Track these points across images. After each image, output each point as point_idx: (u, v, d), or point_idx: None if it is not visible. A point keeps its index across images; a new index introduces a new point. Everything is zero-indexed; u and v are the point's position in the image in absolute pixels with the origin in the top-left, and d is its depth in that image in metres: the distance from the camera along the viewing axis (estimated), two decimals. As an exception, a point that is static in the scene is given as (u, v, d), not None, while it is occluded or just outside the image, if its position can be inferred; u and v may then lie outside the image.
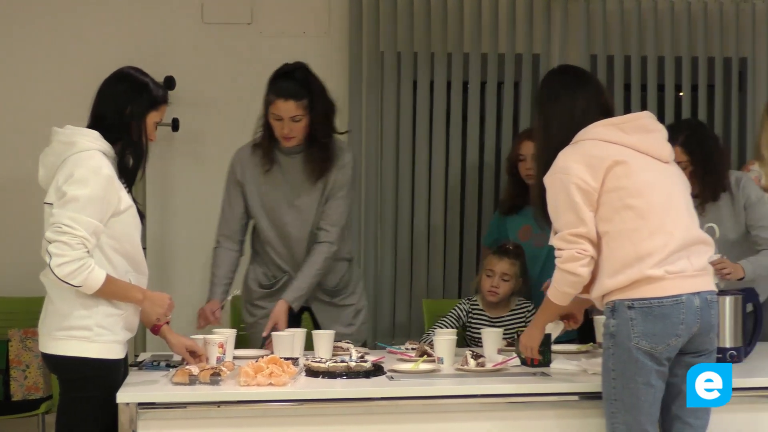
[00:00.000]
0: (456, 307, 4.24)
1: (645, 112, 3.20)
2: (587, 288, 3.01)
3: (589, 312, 3.64)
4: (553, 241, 3.03)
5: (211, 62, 4.98)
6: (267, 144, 3.91)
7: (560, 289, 3.03)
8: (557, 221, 3.02)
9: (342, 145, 4.02)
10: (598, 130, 3.04)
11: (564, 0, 5.04)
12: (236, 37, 5.00)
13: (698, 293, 2.92)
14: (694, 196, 3.84)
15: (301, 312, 4.00)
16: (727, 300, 3.48)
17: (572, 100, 3.12)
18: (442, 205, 5.04)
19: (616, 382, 2.91)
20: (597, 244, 2.96)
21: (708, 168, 3.82)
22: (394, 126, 5.00)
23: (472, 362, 3.31)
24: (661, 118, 4.98)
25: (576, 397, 3.13)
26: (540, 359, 3.35)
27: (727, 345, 3.46)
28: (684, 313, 2.87)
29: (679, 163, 3.73)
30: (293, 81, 3.83)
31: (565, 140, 3.07)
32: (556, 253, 3.01)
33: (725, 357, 3.40)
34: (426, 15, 4.98)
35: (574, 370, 3.32)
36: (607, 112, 3.13)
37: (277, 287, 3.98)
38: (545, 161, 3.10)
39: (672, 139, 3.77)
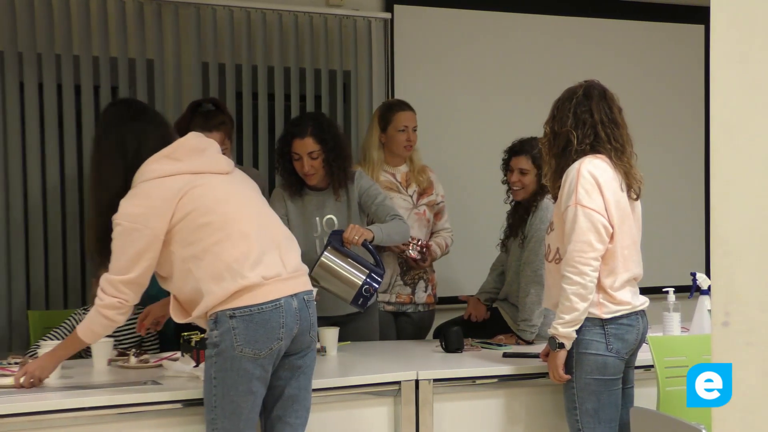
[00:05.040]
0: (70, 317, 4.09)
1: (191, 134, 3.11)
2: (187, 312, 2.99)
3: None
4: (101, 281, 2.97)
5: None
6: None
7: (92, 329, 3.03)
8: (112, 263, 2.95)
9: None
10: (153, 167, 2.94)
11: (175, 5, 5.01)
12: None
13: (295, 295, 2.98)
14: (323, 188, 4.06)
15: None
16: None
17: (123, 137, 3.00)
18: (54, 210, 4.81)
19: (217, 390, 2.90)
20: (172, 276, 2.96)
21: (338, 152, 3.99)
22: (1, 129, 4.72)
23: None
24: (272, 128, 5.18)
25: (179, 405, 3.12)
26: None
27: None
28: (284, 317, 2.92)
29: (311, 153, 3.93)
30: None
31: (116, 181, 2.96)
32: (99, 292, 2.97)
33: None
34: (30, 13, 4.74)
35: (187, 376, 3.32)
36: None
37: None
38: (97, 201, 3.01)
39: (301, 133, 3.94)
